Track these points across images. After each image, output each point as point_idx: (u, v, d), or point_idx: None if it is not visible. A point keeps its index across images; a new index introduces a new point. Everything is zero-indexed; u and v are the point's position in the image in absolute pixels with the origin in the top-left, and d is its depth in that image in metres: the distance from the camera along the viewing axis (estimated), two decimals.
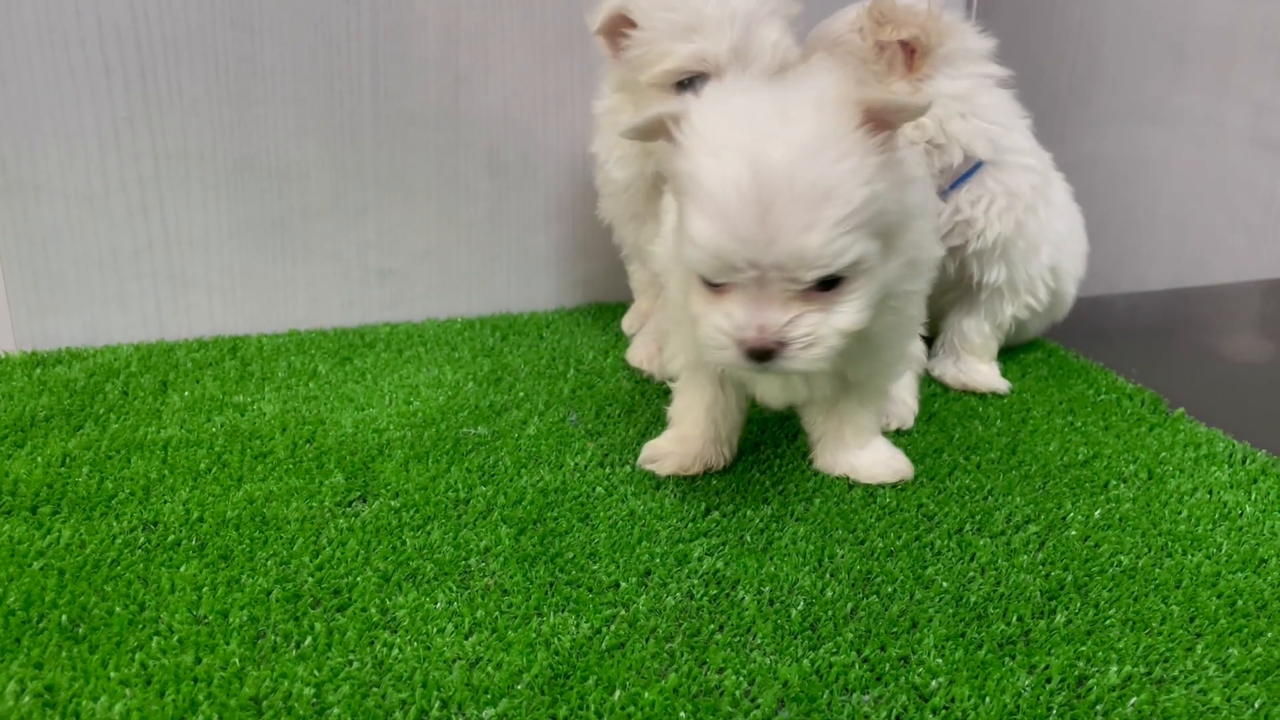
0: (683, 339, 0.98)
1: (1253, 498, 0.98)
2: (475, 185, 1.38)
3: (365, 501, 0.94)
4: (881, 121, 0.77)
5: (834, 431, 1.01)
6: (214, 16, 1.21)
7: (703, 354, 0.83)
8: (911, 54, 1.09)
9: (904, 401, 1.12)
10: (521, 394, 1.18)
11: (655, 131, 0.82)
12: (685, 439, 1.01)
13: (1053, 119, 1.58)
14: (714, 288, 0.79)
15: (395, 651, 0.74)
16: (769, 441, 1.09)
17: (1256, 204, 1.60)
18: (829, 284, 0.77)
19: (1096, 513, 0.95)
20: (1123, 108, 1.59)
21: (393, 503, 0.93)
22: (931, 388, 1.24)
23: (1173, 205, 1.58)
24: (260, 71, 1.24)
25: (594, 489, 0.97)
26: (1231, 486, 1.00)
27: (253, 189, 1.29)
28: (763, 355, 0.78)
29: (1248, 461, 1.05)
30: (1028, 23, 1.63)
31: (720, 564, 0.86)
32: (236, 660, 0.72)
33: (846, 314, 0.79)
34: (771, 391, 0.96)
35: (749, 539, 0.90)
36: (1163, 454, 1.07)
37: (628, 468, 1.02)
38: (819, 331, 0.78)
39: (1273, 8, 1.54)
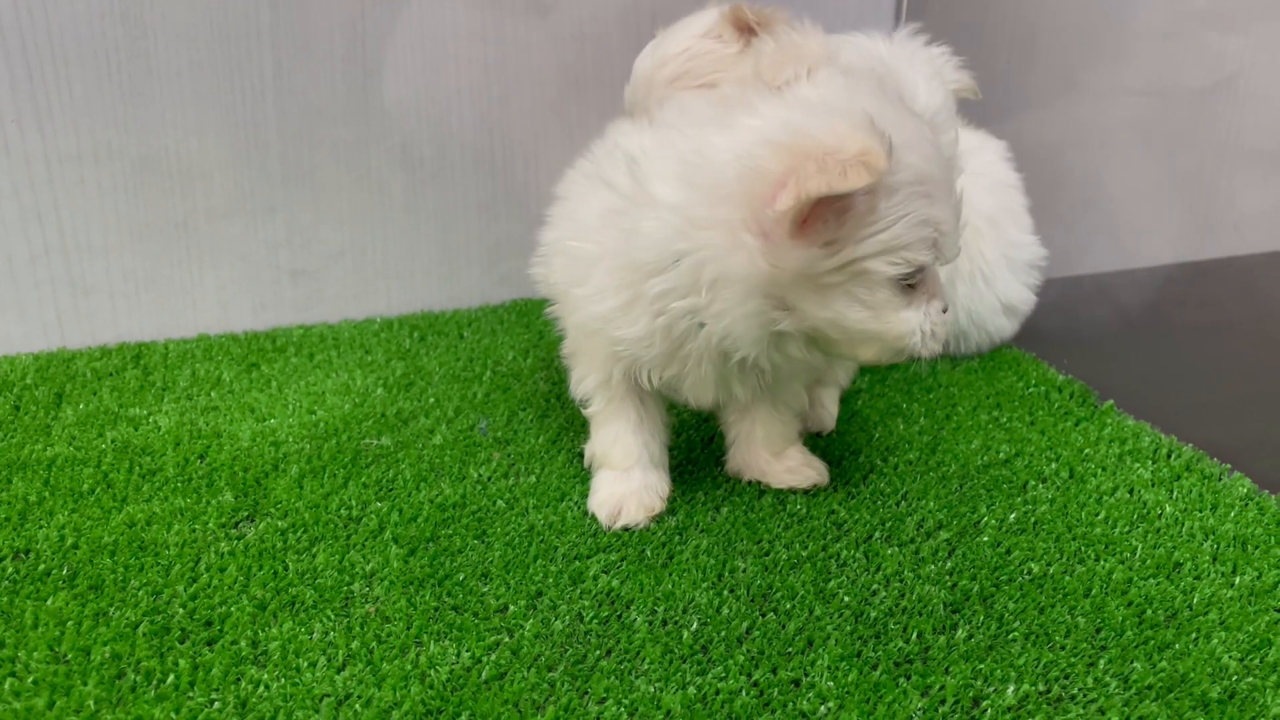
0: (592, 355, 0.90)
1: (1174, 496, 0.95)
2: (389, 181, 1.34)
3: (252, 522, 0.90)
4: None
5: (746, 435, 0.98)
6: (103, 13, 1.15)
7: (905, 350, 0.80)
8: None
9: (824, 406, 1.09)
10: (432, 400, 1.14)
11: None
12: (627, 474, 0.92)
13: (990, 99, 1.55)
14: (908, 287, 0.78)
15: (261, 689, 0.70)
16: (683, 446, 1.05)
17: (1193, 184, 1.58)
18: None
19: (1011, 516, 0.92)
20: (1061, 87, 1.55)
21: (280, 523, 0.89)
22: (856, 383, 1.21)
23: (1110, 186, 1.56)
24: (155, 69, 1.19)
25: (495, 502, 0.94)
26: (1153, 485, 0.97)
27: (153, 190, 1.24)
28: None
29: (1172, 457, 1.02)
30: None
31: (616, 582, 0.82)
32: (91, 703, 0.69)
33: None
34: (705, 392, 0.88)
35: (649, 554, 0.86)
36: (1086, 450, 1.04)
37: (533, 478, 0.98)
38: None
39: None
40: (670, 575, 0.83)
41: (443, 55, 1.30)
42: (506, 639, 0.75)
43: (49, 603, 0.79)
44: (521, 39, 1.33)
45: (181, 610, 0.78)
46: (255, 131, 1.25)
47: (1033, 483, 0.98)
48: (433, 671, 0.72)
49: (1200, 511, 0.92)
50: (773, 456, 0.97)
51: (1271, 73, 1.52)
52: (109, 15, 1.16)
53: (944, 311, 0.81)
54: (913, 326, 0.78)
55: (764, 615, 0.79)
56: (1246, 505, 0.93)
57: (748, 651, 0.75)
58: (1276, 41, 1.51)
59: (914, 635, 0.76)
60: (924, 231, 0.75)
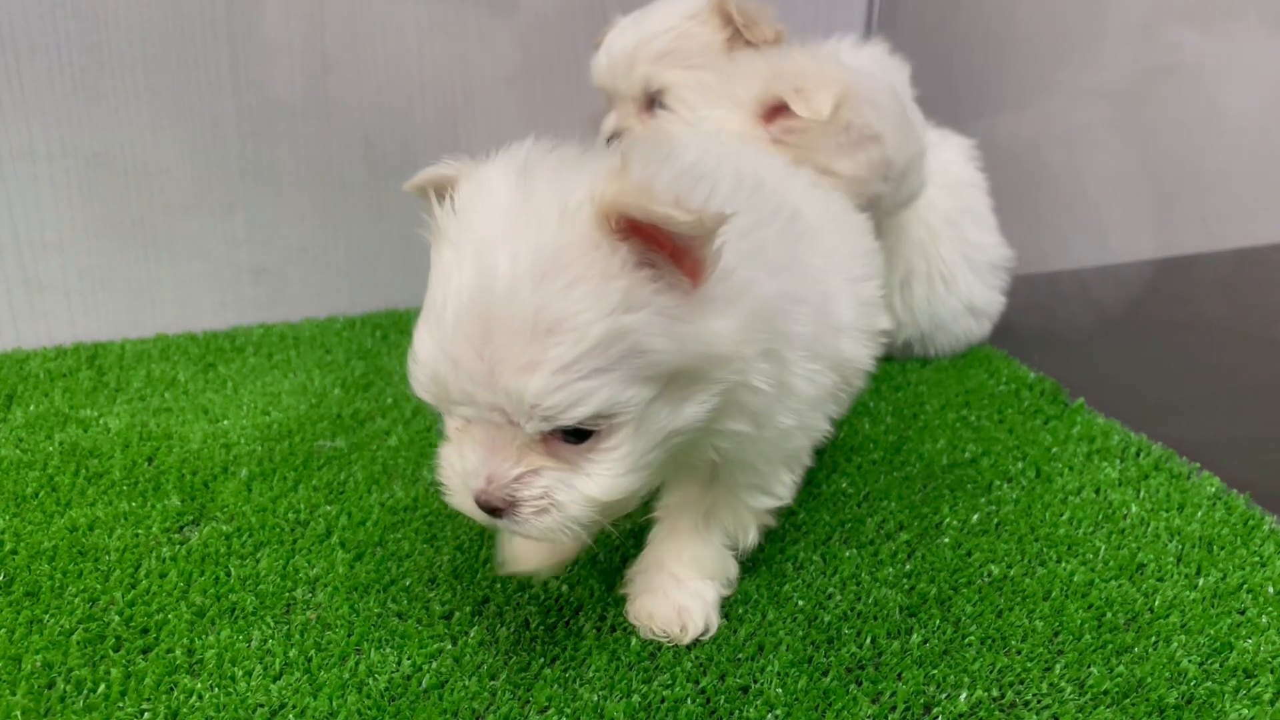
0: None
1: (1140, 496, 0.93)
2: (351, 177, 1.31)
3: (197, 526, 0.88)
4: (653, 234, 0.57)
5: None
6: (54, 6, 1.13)
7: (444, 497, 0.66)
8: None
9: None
10: (390, 400, 1.12)
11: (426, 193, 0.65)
12: None
13: (966, 97, 1.53)
14: None
15: (194, 699, 0.68)
16: None
17: (1165, 181, 1.57)
18: (582, 434, 0.60)
19: (974, 517, 0.90)
20: (1035, 85, 1.53)
21: (225, 527, 0.87)
22: None
23: (1084, 183, 1.54)
24: (108, 63, 1.17)
25: (447, 506, 0.91)
26: (1120, 484, 0.96)
27: (109, 187, 1.21)
28: (492, 511, 0.62)
29: (1141, 455, 1.00)
30: None
31: (566, 588, 0.80)
32: (19, 713, 0.67)
33: (598, 478, 0.61)
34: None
35: (602, 556, 0.84)
36: (1054, 449, 1.02)
37: None
38: (557, 496, 0.61)
39: None
40: (622, 580, 0.81)
41: (404, 48, 1.28)
42: (449, 646, 0.74)
43: None
44: (485, 31, 1.31)
45: (118, 617, 0.76)
46: (213, 127, 1.23)
47: (998, 482, 0.96)
48: (371, 680, 0.70)
49: (1166, 511, 0.91)
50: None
51: (1243, 70, 1.51)
52: (60, 8, 1.13)
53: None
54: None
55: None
56: (1214, 505, 0.92)
57: (696, 658, 0.73)
58: (1248, 39, 1.50)
59: (867, 640, 0.74)
60: None
